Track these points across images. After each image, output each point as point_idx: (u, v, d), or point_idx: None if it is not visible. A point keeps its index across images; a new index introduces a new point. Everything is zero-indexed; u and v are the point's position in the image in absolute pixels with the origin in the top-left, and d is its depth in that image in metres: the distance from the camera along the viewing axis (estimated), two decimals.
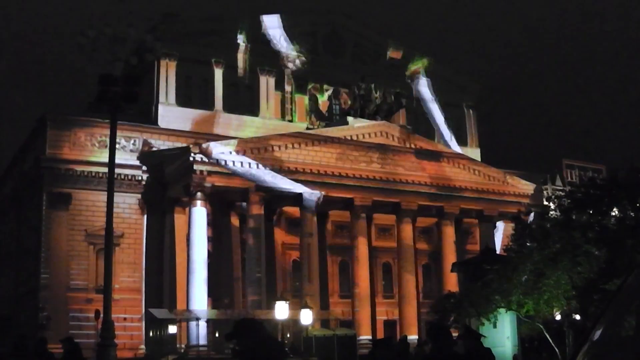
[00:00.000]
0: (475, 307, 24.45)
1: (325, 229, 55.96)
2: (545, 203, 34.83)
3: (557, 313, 25.13)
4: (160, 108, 53.44)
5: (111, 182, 20.30)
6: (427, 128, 64.74)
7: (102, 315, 20.83)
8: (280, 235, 54.82)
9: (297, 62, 58.84)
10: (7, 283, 57.62)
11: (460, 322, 25.20)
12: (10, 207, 59.56)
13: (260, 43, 57.93)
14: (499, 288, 23.83)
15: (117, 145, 22.37)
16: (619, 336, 4.03)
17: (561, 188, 60.85)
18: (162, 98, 53.76)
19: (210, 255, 48.34)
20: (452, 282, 46.15)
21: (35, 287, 48.25)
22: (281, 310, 36.31)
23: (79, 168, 48.93)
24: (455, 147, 61.87)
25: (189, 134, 52.22)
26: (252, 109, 57.48)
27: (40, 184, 49.36)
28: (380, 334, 51.42)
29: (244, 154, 47.94)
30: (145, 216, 50.86)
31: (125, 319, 45.96)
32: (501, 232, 55.81)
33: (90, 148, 49.64)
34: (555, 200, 27.57)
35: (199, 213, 47.05)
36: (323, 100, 60.78)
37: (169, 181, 50.15)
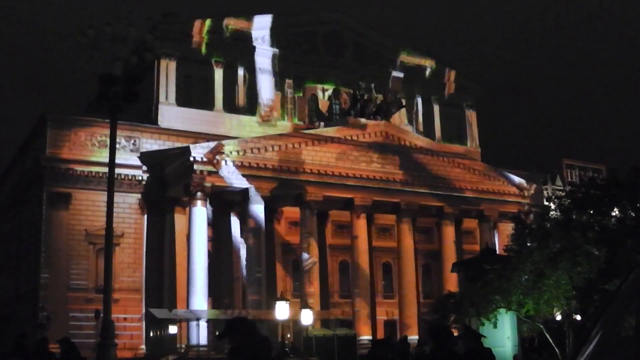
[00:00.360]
0: (475, 307, 24.43)
1: (326, 229, 56.00)
2: (546, 203, 34.84)
3: (557, 313, 25.12)
4: (160, 108, 53.44)
5: (111, 181, 20.27)
6: (427, 128, 64.80)
7: (102, 315, 20.81)
8: (280, 235, 54.84)
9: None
10: (7, 283, 57.65)
11: (460, 322, 25.19)
12: (10, 207, 59.59)
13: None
14: (499, 288, 23.81)
15: (117, 145, 22.32)
16: (619, 336, 4.03)
17: (561, 188, 60.95)
18: (162, 98, 53.76)
19: (210, 255, 48.37)
20: (452, 282, 46.15)
21: (35, 287, 48.26)
22: (281, 310, 36.25)
23: (79, 168, 48.94)
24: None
25: (189, 134, 52.21)
26: (251, 108, 57.50)
27: (40, 183, 49.37)
28: (380, 334, 51.43)
29: (244, 154, 47.95)
30: (146, 216, 50.87)
31: (125, 318, 45.98)
32: (501, 232, 55.87)
33: (90, 148, 49.63)
34: (556, 200, 27.55)
35: (199, 213, 47.05)
36: (323, 100, 60.77)
37: (169, 181, 50.16)
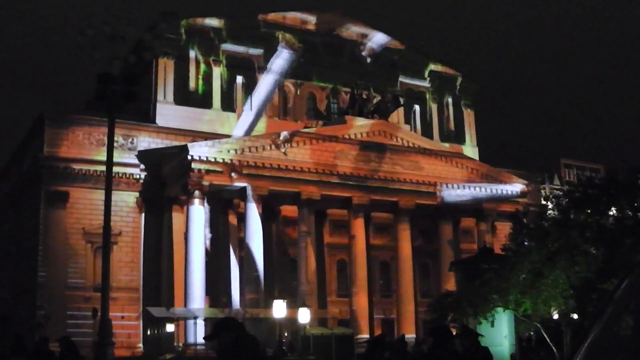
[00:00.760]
0: (473, 306, 24.45)
1: (323, 228, 56.01)
2: (543, 202, 34.86)
3: (554, 312, 25.15)
4: (159, 106, 53.43)
5: (109, 180, 20.27)
6: (425, 127, 64.85)
7: (99, 313, 20.80)
8: (278, 234, 54.83)
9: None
10: (5, 281, 57.60)
11: (458, 321, 25.22)
12: (8, 206, 59.53)
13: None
14: (497, 287, 23.83)
15: (115, 144, 22.30)
16: (616, 336, 4.04)
17: (559, 187, 61.05)
18: (160, 96, 53.75)
19: (208, 254, 48.35)
20: (450, 281, 46.16)
21: (33, 286, 48.23)
22: (279, 309, 36.33)
23: (77, 166, 48.92)
24: None
25: (187, 133, 52.20)
26: (250, 107, 57.50)
27: (38, 182, 49.34)
28: (378, 333, 51.43)
29: (242, 152, 47.96)
30: (143, 215, 50.87)
31: (123, 317, 45.97)
32: (499, 232, 55.93)
33: (88, 146, 49.60)
34: (553, 199, 27.57)
35: (197, 212, 47.04)
36: (321, 99, 60.75)
37: (167, 180, 50.15)
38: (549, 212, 27.33)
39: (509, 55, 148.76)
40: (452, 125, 66.78)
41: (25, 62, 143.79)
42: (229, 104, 56.56)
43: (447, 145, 61.63)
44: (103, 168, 32.40)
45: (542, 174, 67.88)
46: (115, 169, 34.64)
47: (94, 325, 36.91)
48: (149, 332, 47.52)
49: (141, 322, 48.28)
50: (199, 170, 46.56)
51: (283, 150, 48.56)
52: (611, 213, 24.66)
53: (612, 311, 4.04)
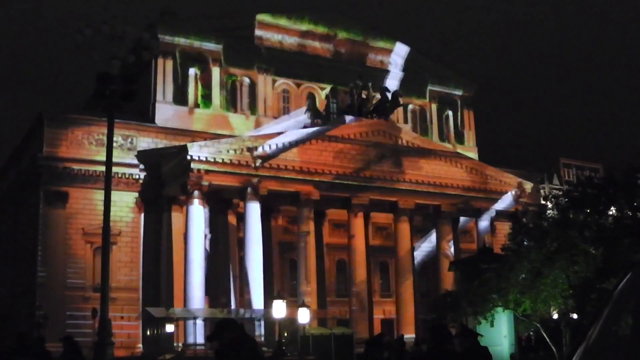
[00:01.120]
0: (472, 306, 24.40)
1: (323, 228, 55.99)
2: (543, 202, 34.84)
3: (554, 312, 25.14)
4: (158, 106, 53.40)
5: (108, 180, 20.24)
6: (424, 126, 64.86)
7: (99, 313, 20.79)
8: (277, 234, 54.81)
9: None
10: (4, 281, 57.58)
11: (457, 321, 25.18)
12: (7, 206, 59.52)
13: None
14: (496, 287, 23.80)
15: (114, 144, 22.28)
16: (616, 335, 4.03)
17: (558, 187, 61.02)
18: (159, 96, 53.72)
19: (207, 254, 48.34)
20: (449, 281, 46.14)
21: (32, 286, 48.21)
22: (278, 309, 36.24)
23: (76, 166, 48.90)
24: None
25: (186, 133, 52.20)
26: (249, 107, 57.52)
27: (37, 182, 49.31)
28: (377, 333, 51.41)
29: (241, 152, 47.94)
30: (143, 214, 50.84)
31: (122, 317, 45.97)
32: (498, 231, 55.92)
33: (87, 146, 49.58)
34: (553, 199, 27.57)
35: (197, 211, 47.02)
36: (321, 99, 60.75)
37: (166, 180, 50.12)
38: (548, 211, 27.31)
39: (508, 54, 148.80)
40: (451, 125, 66.78)
41: (24, 62, 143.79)
42: (228, 104, 56.52)
43: (446, 145, 61.62)
44: (102, 168, 32.38)
45: (541, 174, 67.83)
46: (115, 169, 34.61)
47: (94, 326, 36.94)
48: (148, 332, 47.48)
49: (140, 322, 48.25)
50: (199, 170, 46.53)
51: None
52: (610, 212, 24.67)
53: (611, 310, 4.04)
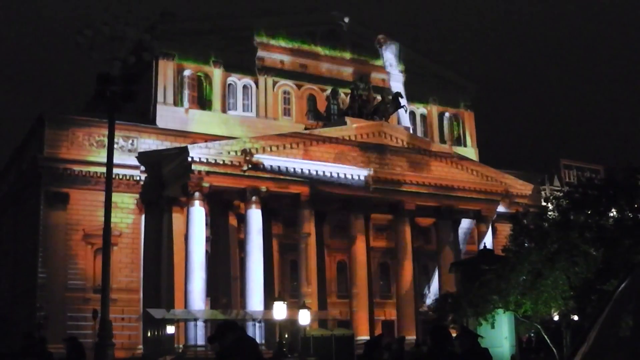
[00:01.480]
0: (473, 307, 24.42)
1: (323, 229, 55.95)
2: (543, 203, 34.83)
3: (554, 313, 25.14)
4: (158, 108, 53.37)
5: (109, 181, 20.24)
6: (424, 128, 64.85)
7: (99, 315, 20.78)
8: (278, 235, 54.77)
9: None
10: (5, 282, 57.58)
11: (458, 322, 25.18)
12: (8, 207, 59.51)
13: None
14: (497, 288, 23.81)
15: (115, 145, 22.27)
16: (616, 336, 4.03)
17: (559, 188, 61.04)
18: (160, 98, 53.69)
19: (208, 255, 48.34)
20: (450, 283, 46.14)
21: (32, 287, 48.19)
22: (279, 311, 36.20)
23: (77, 168, 48.90)
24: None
25: (186, 134, 52.21)
26: (250, 108, 57.51)
27: (38, 183, 49.31)
28: (378, 334, 51.39)
29: (242, 154, 47.91)
30: (143, 216, 50.84)
31: (123, 319, 45.96)
32: (499, 233, 55.91)
33: (88, 148, 49.58)
34: (553, 200, 27.58)
35: (197, 213, 47.03)
36: (321, 100, 60.74)
37: (167, 181, 50.13)
38: (549, 213, 27.32)
39: (508, 55, 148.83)
40: (451, 127, 66.74)
41: (24, 63, 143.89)
42: (229, 106, 56.53)
43: (446, 146, 61.60)
44: (103, 169, 32.42)
45: (541, 175, 67.83)
46: (116, 170, 34.64)
47: (94, 327, 36.91)
48: (149, 334, 47.48)
49: (141, 323, 48.24)
50: (199, 171, 46.55)
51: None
52: (611, 214, 24.69)
53: (612, 312, 4.04)
